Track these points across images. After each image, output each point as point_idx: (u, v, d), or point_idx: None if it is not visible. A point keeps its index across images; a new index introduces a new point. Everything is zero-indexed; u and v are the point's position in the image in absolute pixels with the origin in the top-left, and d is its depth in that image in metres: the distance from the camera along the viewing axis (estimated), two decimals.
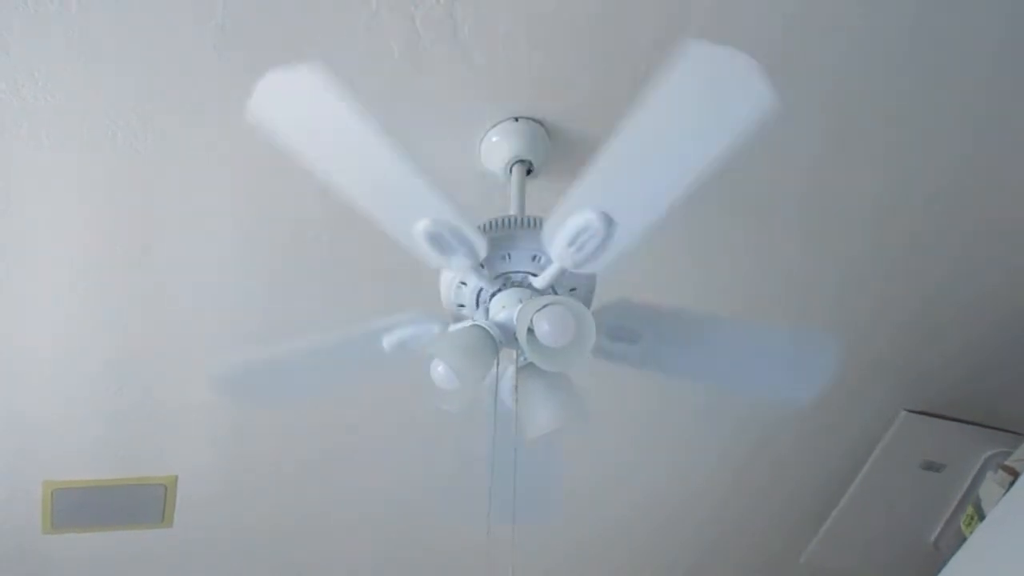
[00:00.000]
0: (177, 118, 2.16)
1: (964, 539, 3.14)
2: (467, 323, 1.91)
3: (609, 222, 1.70)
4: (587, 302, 1.92)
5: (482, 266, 1.86)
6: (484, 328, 1.87)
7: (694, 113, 1.55)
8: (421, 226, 1.74)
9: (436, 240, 1.76)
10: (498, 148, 2.21)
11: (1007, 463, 3.22)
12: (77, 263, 2.45)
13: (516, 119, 2.21)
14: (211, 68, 2.06)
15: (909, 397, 3.22)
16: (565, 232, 1.73)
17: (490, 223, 1.88)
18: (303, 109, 1.63)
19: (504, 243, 1.87)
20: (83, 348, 2.68)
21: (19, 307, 2.54)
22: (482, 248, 1.80)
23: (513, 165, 2.20)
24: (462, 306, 1.93)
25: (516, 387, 1.93)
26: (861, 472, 3.41)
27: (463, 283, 1.90)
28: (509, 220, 1.90)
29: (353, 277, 2.59)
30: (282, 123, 1.66)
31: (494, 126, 2.21)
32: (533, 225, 1.87)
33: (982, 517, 3.21)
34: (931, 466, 3.38)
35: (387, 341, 1.97)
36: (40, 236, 2.37)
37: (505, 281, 1.90)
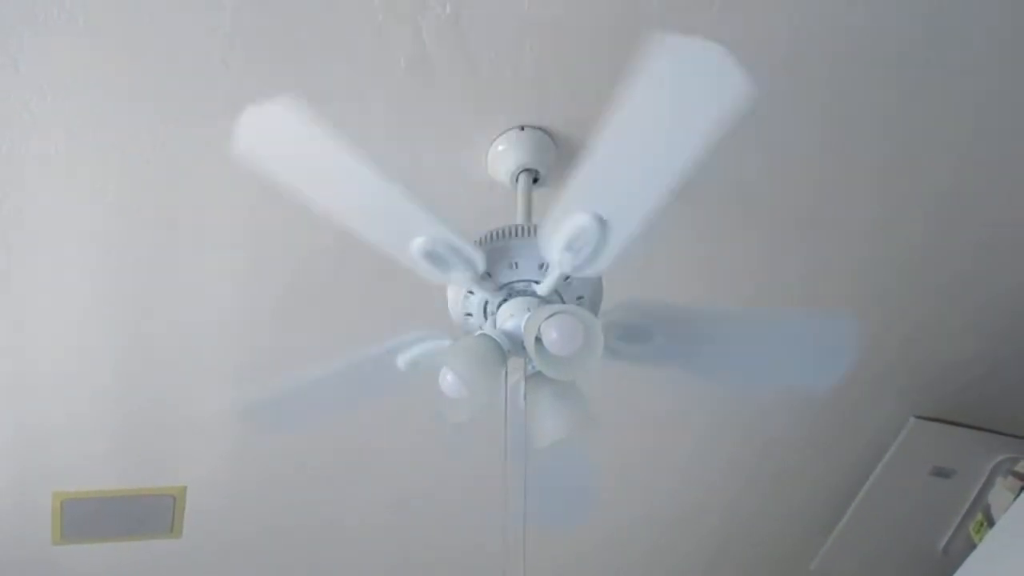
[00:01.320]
0: (186, 133, 2.17)
1: (974, 546, 3.14)
2: (475, 332, 1.91)
3: (602, 223, 1.70)
4: (595, 309, 1.92)
5: (488, 275, 1.87)
6: (492, 337, 1.87)
7: (672, 107, 1.55)
8: (416, 245, 1.77)
9: (433, 257, 1.78)
10: (504, 157, 2.22)
11: (1017, 469, 3.21)
12: (87, 276, 2.46)
13: (522, 128, 2.21)
14: (219, 83, 2.07)
15: (918, 403, 3.22)
16: (560, 237, 1.74)
17: (488, 235, 1.90)
18: (285, 142, 1.66)
19: (509, 253, 1.88)
20: (92, 359, 2.68)
21: (29, 319, 2.54)
22: (480, 260, 1.81)
23: (519, 174, 2.21)
24: (470, 315, 1.94)
25: (525, 395, 1.93)
26: (871, 478, 3.41)
27: (470, 292, 1.91)
28: (505, 231, 1.91)
29: (361, 296, 2.60)
30: (266, 156, 1.70)
31: (500, 135, 2.22)
32: (529, 233, 1.88)
33: (992, 523, 3.20)
34: (940, 472, 3.37)
35: (401, 360, 2.00)
36: (50, 249, 2.38)
37: (511, 291, 1.90)
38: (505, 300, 1.90)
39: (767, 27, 2.07)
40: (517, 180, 2.21)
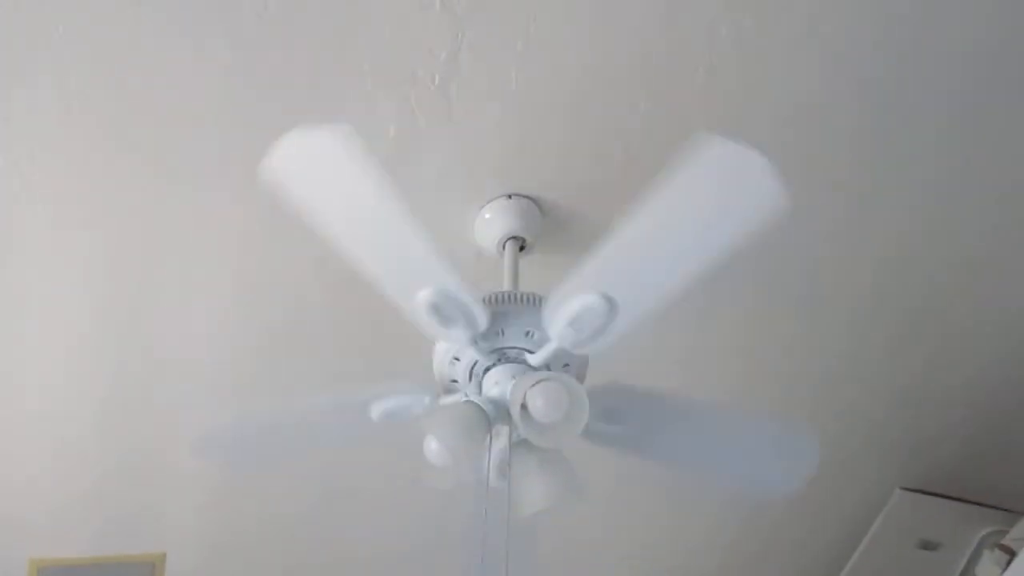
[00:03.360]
0: (175, 189, 2.18)
1: None
2: (460, 398, 1.90)
3: (612, 305, 1.71)
4: (580, 380, 1.92)
5: (485, 337, 1.86)
6: (477, 404, 1.86)
7: (704, 207, 1.57)
8: (424, 295, 1.74)
9: (437, 310, 1.76)
10: (491, 225, 2.23)
11: (1003, 542, 3.19)
12: (70, 329, 2.45)
13: (509, 196, 2.23)
14: (209, 142, 2.09)
15: (903, 475, 3.21)
16: (567, 312, 1.74)
17: (491, 297, 1.89)
18: (321, 169, 1.63)
19: (499, 318, 1.87)
20: (71, 421, 2.67)
21: (8, 380, 2.53)
22: (483, 321, 1.80)
23: (506, 241, 2.22)
24: (455, 381, 1.93)
25: (509, 463, 1.91)
26: (858, 550, 3.38)
27: (456, 359, 1.90)
28: (510, 295, 1.91)
29: (345, 348, 2.59)
30: (299, 181, 1.66)
31: (487, 203, 2.24)
32: (533, 302, 1.88)
33: None
34: (927, 545, 3.35)
35: (375, 410, 1.96)
36: (32, 309, 2.38)
37: (500, 356, 1.90)
38: (493, 366, 1.90)
39: (758, 115, 2.11)
40: (504, 247, 2.22)
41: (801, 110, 2.13)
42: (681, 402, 2.05)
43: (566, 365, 1.90)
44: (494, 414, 1.86)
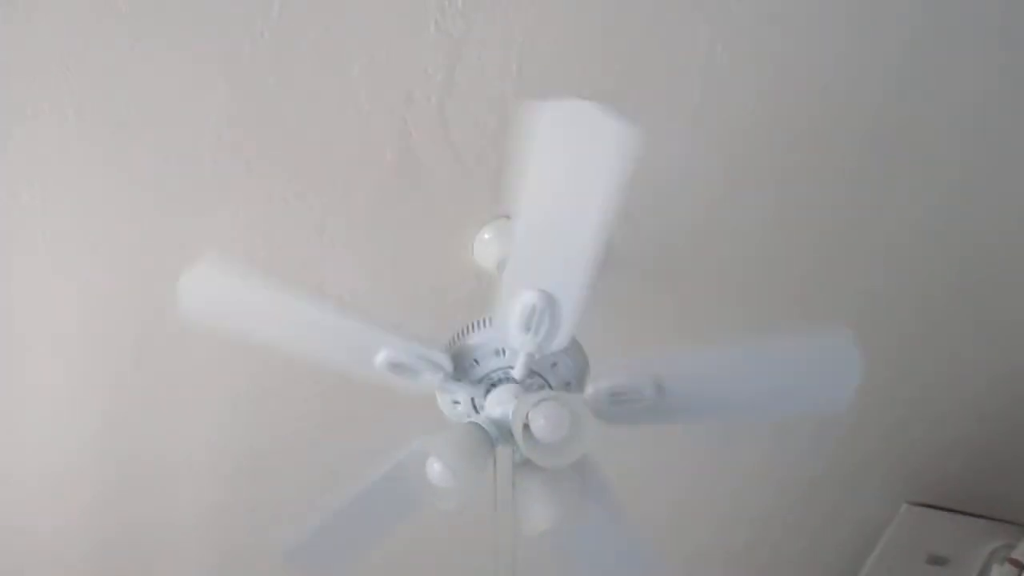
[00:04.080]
0: (174, 222, 2.19)
1: None
2: (463, 419, 1.90)
3: (548, 297, 1.71)
4: (582, 384, 1.91)
5: (461, 375, 1.90)
6: (480, 426, 1.86)
7: (567, 171, 1.56)
8: (380, 359, 1.82)
9: (399, 368, 1.83)
10: (490, 245, 2.23)
11: (1013, 556, 3.18)
12: (73, 379, 2.45)
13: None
14: (207, 174, 2.09)
15: (910, 489, 3.19)
16: (514, 321, 1.75)
17: (451, 339, 1.92)
18: (229, 300, 1.79)
19: (467, 351, 1.90)
20: (75, 476, 2.66)
21: (8, 431, 2.52)
22: (445, 361, 1.84)
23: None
24: (457, 403, 1.94)
25: (514, 484, 1.91)
26: (865, 566, 3.36)
27: (456, 401, 1.94)
28: (464, 328, 1.93)
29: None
30: (214, 315, 1.83)
31: (486, 224, 2.24)
32: (485, 324, 1.89)
33: None
34: (936, 560, 3.33)
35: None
36: (35, 337, 2.38)
37: (488, 383, 1.91)
38: (491, 389, 1.90)
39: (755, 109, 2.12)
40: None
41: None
42: (695, 358, 1.98)
43: (554, 365, 1.90)
44: (497, 435, 1.86)
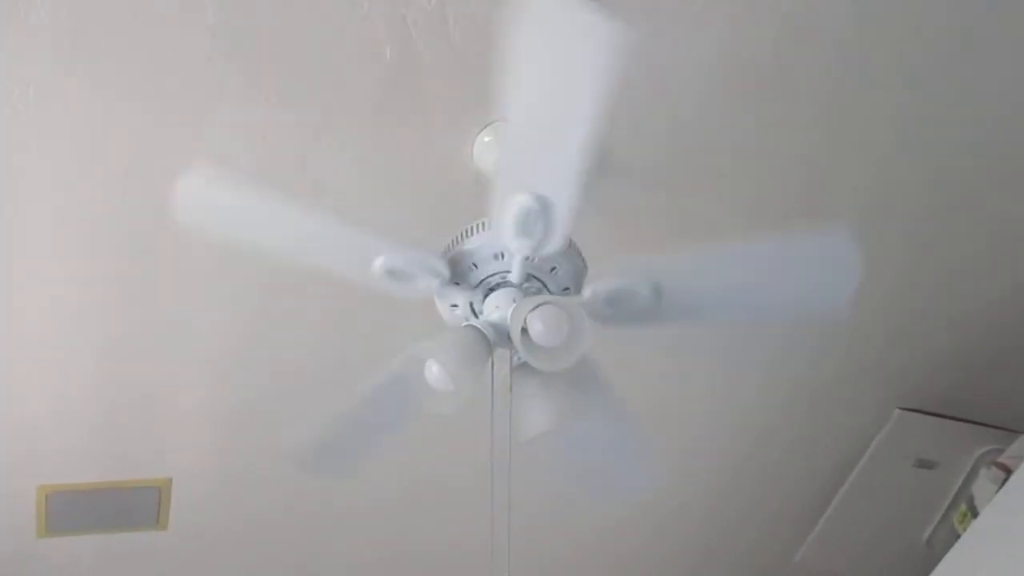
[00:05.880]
0: (170, 122, 2.16)
1: (958, 536, 3.15)
2: (461, 323, 1.91)
3: (541, 200, 1.70)
4: (573, 282, 1.92)
5: (458, 279, 1.91)
6: (478, 329, 1.87)
7: (555, 69, 1.53)
8: (378, 265, 1.82)
9: (396, 274, 1.84)
10: (491, 148, 2.22)
11: (1000, 460, 3.23)
12: (71, 265, 2.45)
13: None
14: (203, 71, 2.06)
15: (902, 395, 3.23)
16: (509, 223, 1.74)
17: (448, 244, 1.93)
18: (227, 207, 1.80)
19: (465, 256, 1.90)
20: (76, 351, 2.67)
21: (12, 309, 2.53)
22: (442, 266, 1.85)
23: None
24: (455, 306, 1.95)
25: (511, 387, 1.93)
26: (855, 470, 3.42)
27: (454, 305, 1.95)
28: (460, 234, 1.93)
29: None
30: (211, 223, 1.86)
31: (487, 126, 2.22)
32: (481, 228, 1.89)
33: (975, 514, 3.22)
34: (924, 464, 3.39)
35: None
36: (35, 239, 2.37)
37: (486, 287, 1.92)
38: (489, 293, 1.91)
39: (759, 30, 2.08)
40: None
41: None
42: (693, 259, 1.98)
43: (553, 269, 1.90)
44: (495, 338, 1.88)
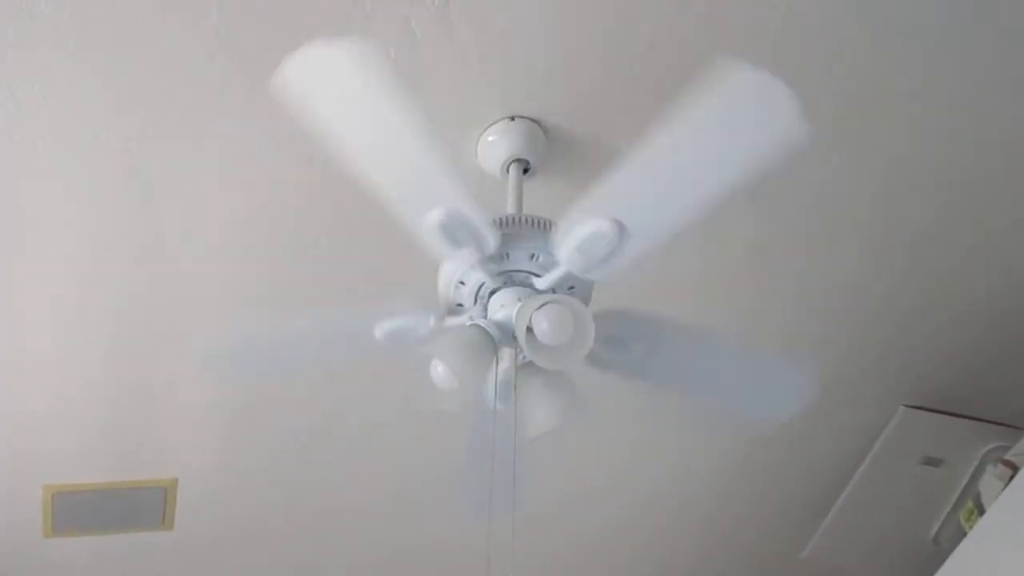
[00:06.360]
0: (173, 117, 2.16)
1: (964, 534, 3.14)
2: (465, 322, 1.91)
3: (622, 232, 1.70)
4: (584, 302, 1.92)
5: (493, 259, 1.86)
6: (482, 327, 1.87)
7: (724, 134, 1.55)
8: (435, 216, 1.72)
9: (448, 231, 1.75)
10: (495, 147, 2.22)
11: (1006, 457, 3.22)
12: (74, 264, 2.46)
13: (512, 118, 2.21)
14: (206, 72, 2.07)
15: (907, 392, 3.23)
16: (577, 236, 1.73)
17: (501, 220, 1.87)
18: (337, 85, 1.59)
19: (506, 241, 1.85)
20: (81, 350, 2.68)
21: (15, 309, 2.54)
22: (492, 244, 1.79)
23: (510, 164, 2.20)
24: (460, 305, 1.94)
25: (515, 386, 1.93)
26: (861, 468, 3.41)
27: (462, 282, 1.90)
28: (520, 218, 1.90)
29: (351, 275, 2.59)
30: (310, 99, 1.62)
31: (491, 125, 2.21)
32: (542, 226, 1.87)
33: (982, 512, 3.21)
34: (930, 461, 3.38)
35: (379, 330, 1.94)
36: (37, 238, 2.37)
37: (506, 279, 1.90)
38: (497, 289, 1.90)
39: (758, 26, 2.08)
40: (508, 170, 2.21)
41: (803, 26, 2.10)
42: (683, 329, 2.06)
43: (571, 288, 1.90)
44: (500, 337, 1.87)
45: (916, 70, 2.24)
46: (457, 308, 1.94)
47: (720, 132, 1.55)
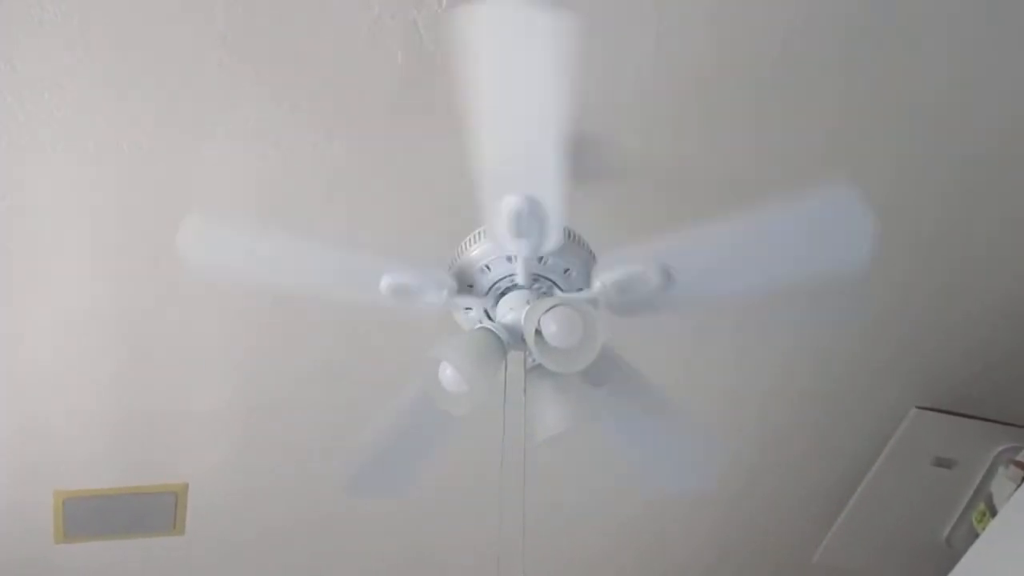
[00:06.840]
0: (182, 124, 2.17)
1: (977, 535, 3.13)
2: (475, 326, 1.91)
3: (529, 199, 1.70)
4: (586, 280, 1.91)
5: (467, 288, 1.92)
6: (492, 331, 1.87)
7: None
8: (384, 285, 1.84)
9: (403, 290, 1.84)
10: None
11: (1019, 459, 3.21)
12: (85, 273, 2.46)
13: None
14: (215, 80, 2.07)
15: (920, 394, 3.22)
16: (504, 229, 1.75)
17: (453, 256, 1.94)
18: (230, 252, 1.82)
19: (471, 264, 1.92)
20: (91, 357, 2.68)
21: (27, 316, 2.54)
22: (447, 279, 1.86)
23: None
24: (469, 309, 1.95)
25: (525, 389, 1.93)
26: (872, 469, 3.40)
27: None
28: (462, 245, 1.94)
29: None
30: (217, 266, 1.88)
31: None
32: (480, 238, 1.90)
33: (994, 513, 3.20)
34: (943, 462, 3.37)
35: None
36: (47, 246, 2.38)
37: (497, 290, 1.92)
38: (512, 288, 1.91)
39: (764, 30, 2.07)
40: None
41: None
42: (698, 236, 1.90)
43: (567, 271, 1.92)
44: (509, 340, 1.88)
45: (926, 70, 2.23)
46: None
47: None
